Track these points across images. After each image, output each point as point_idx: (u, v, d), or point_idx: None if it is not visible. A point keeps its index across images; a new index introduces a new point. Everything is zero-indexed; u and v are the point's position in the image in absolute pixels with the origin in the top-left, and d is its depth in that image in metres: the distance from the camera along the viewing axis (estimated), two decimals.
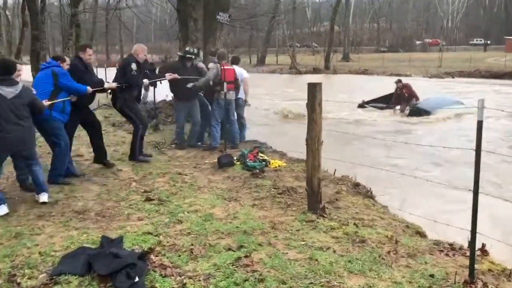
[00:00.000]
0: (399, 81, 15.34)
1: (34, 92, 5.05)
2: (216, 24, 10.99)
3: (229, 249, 3.75)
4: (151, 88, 9.70)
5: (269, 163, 6.81)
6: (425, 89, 19.41)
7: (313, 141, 4.47)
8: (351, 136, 9.30)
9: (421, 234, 4.48)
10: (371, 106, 15.71)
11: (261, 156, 6.96)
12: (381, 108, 15.38)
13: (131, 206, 4.95)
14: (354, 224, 4.32)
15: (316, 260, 3.51)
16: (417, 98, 14.68)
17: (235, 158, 7.01)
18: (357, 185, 6.00)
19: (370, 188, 5.91)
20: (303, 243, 3.88)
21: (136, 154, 7.04)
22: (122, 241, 3.86)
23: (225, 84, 7.72)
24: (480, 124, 3.03)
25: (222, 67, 7.83)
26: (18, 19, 35.95)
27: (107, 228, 4.32)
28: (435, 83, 26.87)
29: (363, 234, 4.05)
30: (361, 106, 15.91)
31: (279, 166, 6.82)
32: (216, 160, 6.94)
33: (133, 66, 6.64)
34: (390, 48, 71.69)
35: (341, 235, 4.05)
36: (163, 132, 10.05)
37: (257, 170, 6.26)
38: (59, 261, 3.52)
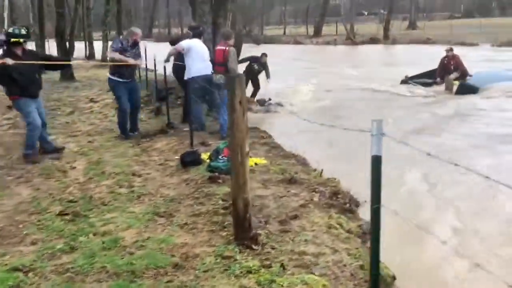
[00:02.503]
0: (451, 49, 13.39)
1: None
2: None
3: None
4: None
5: None
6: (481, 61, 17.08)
7: (234, 153, 3.38)
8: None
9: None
10: (415, 82, 13.91)
11: None
12: (427, 85, 13.56)
13: (38, 223, 4.15)
14: (281, 265, 3.21)
15: None
16: (465, 73, 12.72)
17: (208, 154, 6.04)
18: (335, 194, 4.84)
19: (351, 199, 4.75)
20: None
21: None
22: None
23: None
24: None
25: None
26: None
27: None
28: (500, 53, 23.62)
29: (281, 285, 2.94)
30: (405, 82, 14.17)
31: (256, 164, 5.76)
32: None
33: None
34: (465, 13, 65.95)
35: (253, 285, 2.99)
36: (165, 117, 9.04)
37: (217, 174, 5.24)
38: None
